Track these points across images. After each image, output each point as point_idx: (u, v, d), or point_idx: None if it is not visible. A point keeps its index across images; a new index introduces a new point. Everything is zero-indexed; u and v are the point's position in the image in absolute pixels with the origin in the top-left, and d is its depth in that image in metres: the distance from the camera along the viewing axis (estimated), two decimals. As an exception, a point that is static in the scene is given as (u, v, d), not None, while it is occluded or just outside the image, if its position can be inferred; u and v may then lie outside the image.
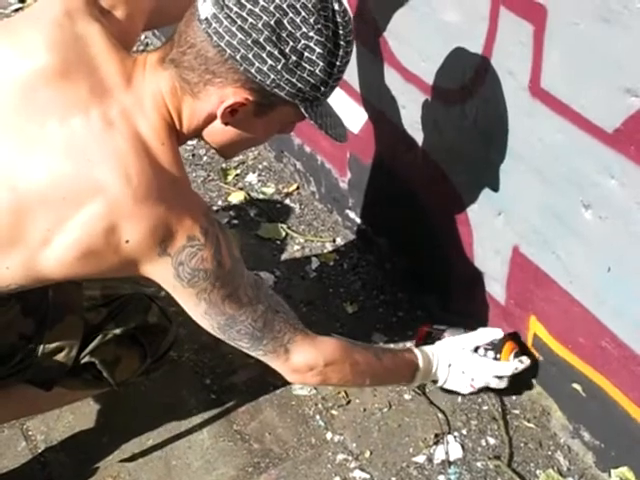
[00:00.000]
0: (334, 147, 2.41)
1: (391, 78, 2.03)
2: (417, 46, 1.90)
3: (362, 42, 2.07)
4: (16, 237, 1.33)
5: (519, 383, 1.96)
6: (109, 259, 1.34)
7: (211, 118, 1.39)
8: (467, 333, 1.90)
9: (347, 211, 2.46)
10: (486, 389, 1.93)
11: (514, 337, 1.93)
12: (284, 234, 2.51)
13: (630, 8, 1.35)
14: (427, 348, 1.83)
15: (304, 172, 2.64)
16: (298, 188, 2.69)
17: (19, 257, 1.34)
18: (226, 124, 1.39)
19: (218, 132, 1.42)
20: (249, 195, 2.66)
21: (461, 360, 1.84)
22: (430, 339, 1.96)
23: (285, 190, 2.68)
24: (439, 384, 1.88)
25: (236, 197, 2.65)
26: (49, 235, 1.32)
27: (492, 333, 1.88)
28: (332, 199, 2.53)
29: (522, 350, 1.92)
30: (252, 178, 2.74)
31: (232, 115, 1.36)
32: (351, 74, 2.20)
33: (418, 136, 2.02)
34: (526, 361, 1.88)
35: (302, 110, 1.38)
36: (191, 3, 1.36)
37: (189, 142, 2.83)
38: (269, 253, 2.45)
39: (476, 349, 1.87)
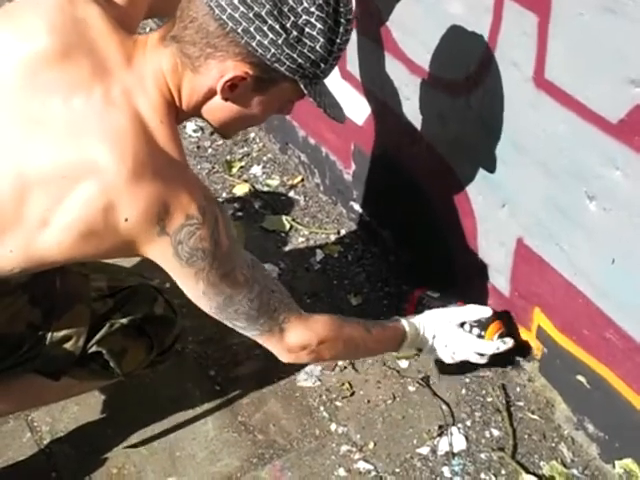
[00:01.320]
0: (339, 139, 2.41)
1: (395, 70, 2.03)
2: (421, 37, 1.89)
3: (366, 33, 2.07)
4: (17, 219, 1.33)
5: (502, 362, 2.01)
6: (109, 239, 1.35)
7: (211, 93, 1.39)
8: (456, 307, 1.93)
9: (351, 203, 2.46)
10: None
11: (502, 318, 1.96)
12: (288, 226, 2.51)
13: (635, -1, 1.35)
14: (415, 319, 1.86)
15: (309, 164, 2.64)
16: (303, 180, 2.69)
17: (20, 239, 1.35)
18: (226, 100, 1.39)
19: (217, 108, 1.42)
20: (254, 187, 2.66)
21: (446, 333, 1.87)
22: (421, 305, 2.00)
23: (290, 182, 2.68)
24: (422, 353, 1.93)
25: (241, 189, 2.65)
26: (48, 215, 1.32)
27: (481, 311, 1.91)
28: (336, 191, 2.53)
29: (509, 331, 1.95)
30: (257, 170, 2.74)
31: (232, 90, 1.37)
32: (355, 66, 2.20)
33: (422, 128, 2.02)
34: (509, 342, 1.90)
35: (302, 87, 1.39)
36: None
37: (194, 134, 2.84)
38: (273, 245, 2.45)
39: (462, 324, 1.90)
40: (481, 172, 1.88)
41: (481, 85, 1.77)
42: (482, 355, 1.91)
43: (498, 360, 1.97)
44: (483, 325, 1.91)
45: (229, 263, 1.45)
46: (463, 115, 1.85)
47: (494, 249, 1.95)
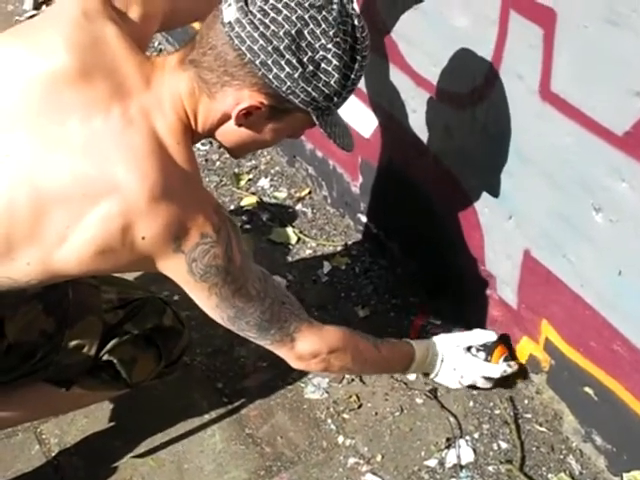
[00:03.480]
0: (346, 152, 2.41)
1: (402, 83, 2.04)
2: (428, 51, 1.90)
3: (373, 47, 2.05)
4: (35, 234, 1.36)
5: (505, 385, 2.03)
6: (125, 256, 1.37)
7: (225, 118, 1.42)
8: (462, 332, 1.96)
9: (359, 215, 2.47)
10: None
11: (505, 341, 2.00)
12: (296, 238, 2.52)
13: (638, 11, 1.35)
14: (424, 342, 1.90)
15: (316, 177, 2.64)
16: (310, 193, 2.69)
17: (38, 253, 1.37)
18: (239, 125, 1.42)
19: (230, 132, 1.45)
20: (261, 200, 2.67)
21: (454, 357, 1.90)
22: (424, 332, 2.03)
23: (297, 195, 2.69)
24: (430, 377, 1.94)
25: (248, 202, 2.66)
26: (67, 232, 1.35)
27: (486, 335, 1.95)
28: (344, 203, 2.54)
29: (511, 355, 1.99)
30: (264, 183, 2.75)
31: (246, 117, 1.40)
32: (362, 79, 2.20)
33: (429, 140, 2.02)
34: (514, 366, 1.95)
35: (314, 118, 1.42)
36: (206, 5, 1.38)
37: (202, 148, 2.86)
38: (281, 257, 2.46)
39: (469, 348, 1.93)
40: (487, 184, 1.88)
41: (487, 98, 1.77)
42: (488, 379, 1.94)
43: (502, 384, 2.01)
44: (489, 349, 1.94)
45: (241, 278, 1.48)
46: (469, 127, 1.86)
47: (501, 261, 1.95)
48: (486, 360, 1.93)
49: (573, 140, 1.59)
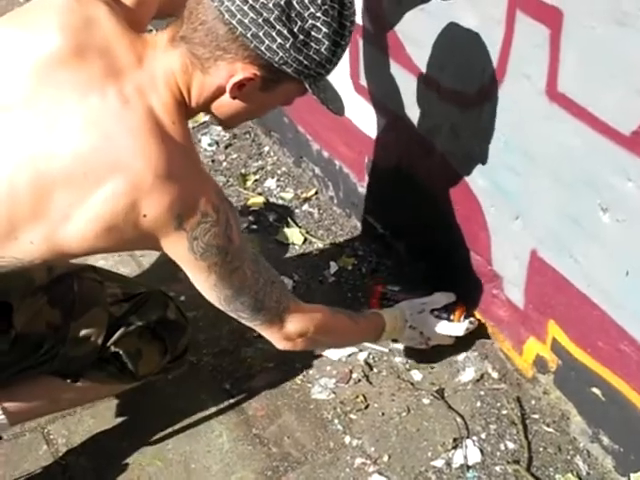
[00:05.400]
0: (352, 152, 2.41)
1: (408, 82, 2.03)
2: (434, 50, 1.90)
3: (379, 47, 2.08)
4: (38, 212, 1.38)
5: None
6: (128, 233, 1.40)
7: (219, 92, 1.45)
8: (423, 297, 2.05)
9: (365, 215, 2.47)
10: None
11: (462, 300, 2.09)
12: (303, 239, 2.52)
13: (645, 11, 1.35)
14: (391, 310, 2.01)
15: (322, 177, 2.65)
16: (317, 193, 2.69)
17: (42, 232, 1.40)
18: (234, 98, 1.44)
19: (225, 105, 1.48)
20: (268, 200, 2.67)
21: (420, 321, 2.00)
22: (385, 299, 2.13)
23: (304, 195, 2.69)
24: (400, 342, 2.07)
25: (255, 202, 2.67)
26: (70, 210, 1.37)
27: (446, 296, 2.06)
28: (350, 204, 2.54)
29: (469, 312, 2.10)
30: (271, 183, 2.75)
31: (240, 89, 1.42)
32: (368, 79, 2.21)
33: (435, 140, 2.02)
34: (475, 322, 2.08)
35: (306, 86, 1.44)
36: None
37: (208, 148, 2.86)
38: (288, 258, 2.46)
39: (431, 311, 2.03)
40: (494, 184, 1.88)
41: (493, 97, 1.77)
42: (451, 337, 2.06)
43: (464, 339, 2.09)
44: (449, 309, 2.05)
45: (239, 258, 1.52)
46: (476, 127, 1.85)
47: (508, 261, 1.95)
48: (449, 320, 2.03)
49: (580, 140, 1.59)
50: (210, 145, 2.89)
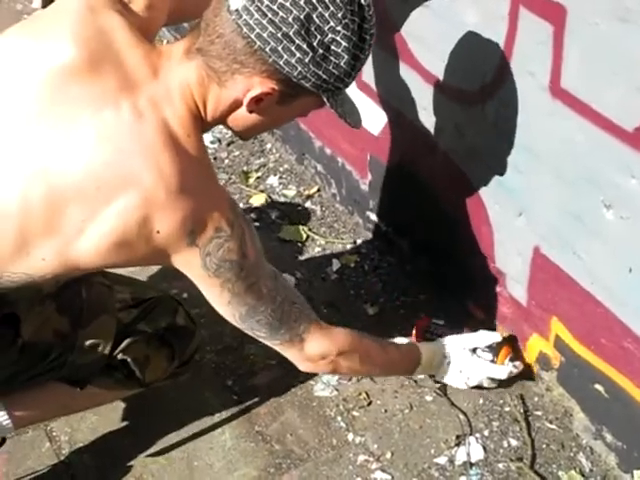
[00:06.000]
0: (355, 149, 2.41)
1: (411, 80, 2.04)
2: (437, 47, 1.90)
3: (382, 44, 2.07)
4: (52, 227, 1.36)
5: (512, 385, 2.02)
6: (140, 249, 1.38)
7: (236, 105, 1.42)
8: (467, 333, 1.97)
9: (368, 213, 2.47)
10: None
11: (510, 341, 2.00)
12: (305, 236, 2.52)
13: (649, 7, 1.35)
14: (430, 344, 1.92)
15: (325, 174, 2.64)
16: (319, 190, 2.69)
17: (54, 247, 1.38)
18: (251, 112, 1.41)
19: (241, 118, 1.45)
20: (270, 198, 2.67)
21: (460, 359, 1.91)
22: (429, 333, 2.04)
23: (306, 192, 2.69)
24: (436, 378, 1.96)
25: (257, 200, 2.66)
26: (84, 225, 1.35)
27: (491, 336, 1.95)
28: (353, 201, 2.54)
29: (515, 355, 1.99)
30: (273, 181, 2.75)
31: (257, 103, 1.39)
32: (372, 76, 2.21)
33: (438, 137, 2.02)
34: (519, 366, 1.96)
35: (325, 100, 1.42)
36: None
37: (210, 145, 2.86)
38: (290, 255, 2.46)
39: (474, 350, 1.93)
40: (497, 181, 1.88)
41: (497, 94, 1.77)
42: (493, 380, 1.95)
43: (508, 382, 2.00)
44: (494, 350, 1.94)
45: (255, 274, 1.48)
46: (479, 124, 1.85)
47: (511, 258, 1.95)
48: (492, 361, 1.93)
49: (583, 137, 1.59)
50: (212, 142, 2.89)
